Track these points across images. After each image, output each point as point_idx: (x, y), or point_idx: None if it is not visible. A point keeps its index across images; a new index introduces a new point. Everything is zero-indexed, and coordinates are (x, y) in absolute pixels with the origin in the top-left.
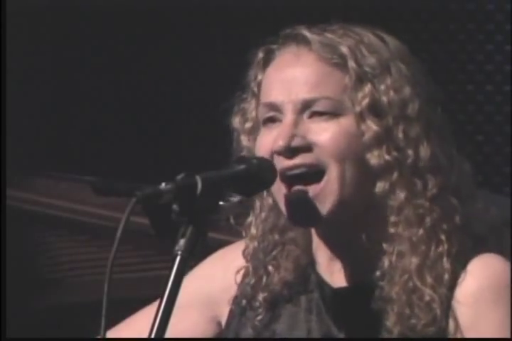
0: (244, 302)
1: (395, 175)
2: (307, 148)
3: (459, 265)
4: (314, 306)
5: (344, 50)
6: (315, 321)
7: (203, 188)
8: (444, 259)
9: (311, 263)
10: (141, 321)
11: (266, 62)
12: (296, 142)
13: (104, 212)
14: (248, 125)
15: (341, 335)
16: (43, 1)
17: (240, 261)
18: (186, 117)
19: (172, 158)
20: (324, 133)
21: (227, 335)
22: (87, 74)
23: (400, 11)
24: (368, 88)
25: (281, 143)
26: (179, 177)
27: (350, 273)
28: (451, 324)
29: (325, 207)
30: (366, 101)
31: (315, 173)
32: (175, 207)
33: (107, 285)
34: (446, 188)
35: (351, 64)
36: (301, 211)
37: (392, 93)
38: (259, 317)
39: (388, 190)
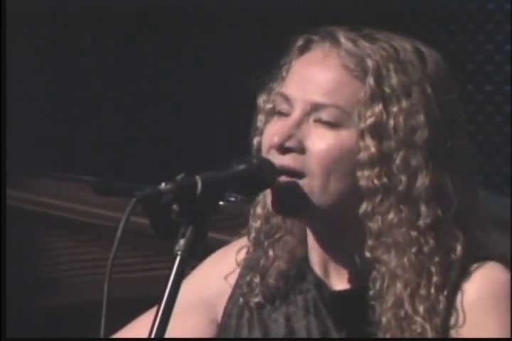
0: (241, 301)
1: (380, 199)
2: (300, 151)
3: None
4: (312, 306)
5: (369, 64)
6: (314, 322)
7: (203, 188)
8: (439, 291)
9: (307, 259)
10: (140, 328)
11: (301, 51)
12: (291, 143)
13: (104, 212)
14: (268, 106)
15: (340, 337)
16: (43, 1)
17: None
18: (186, 117)
19: (172, 158)
20: (320, 142)
21: (224, 336)
22: (87, 74)
23: (400, 11)
24: (378, 108)
25: (276, 140)
26: (179, 177)
27: (346, 276)
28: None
29: (302, 202)
30: (372, 120)
31: (300, 175)
32: (175, 207)
33: (107, 285)
34: (447, 218)
35: (369, 80)
36: (283, 199)
37: (402, 118)
38: (258, 316)
39: (370, 212)
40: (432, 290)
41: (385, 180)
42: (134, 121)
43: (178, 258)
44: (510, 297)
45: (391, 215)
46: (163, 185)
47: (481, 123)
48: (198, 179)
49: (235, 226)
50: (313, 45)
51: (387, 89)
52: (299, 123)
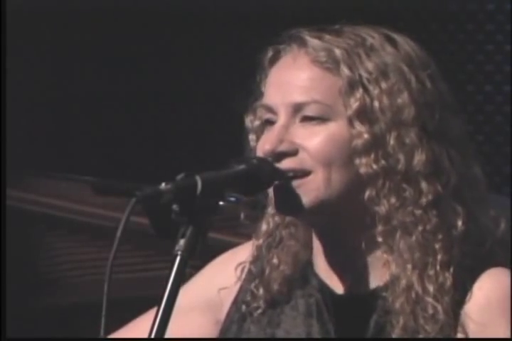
0: (243, 308)
1: (382, 182)
2: (294, 152)
3: (465, 275)
4: (315, 310)
5: (338, 53)
6: (316, 326)
7: (203, 188)
8: (445, 268)
9: (310, 263)
10: (140, 328)
11: (272, 62)
12: (283, 147)
13: (104, 212)
14: (256, 123)
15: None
16: (42, 1)
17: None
18: (186, 117)
19: (172, 158)
20: (313, 138)
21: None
22: (87, 74)
23: (400, 11)
24: (359, 93)
25: (267, 147)
26: (179, 177)
27: (352, 279)
28: (460, 335)
29: (307, 199)
30: (356, 105)
31: (301, 174)
32: (175, 207)
33: (107, 285)
34: (447, 194)
35: (343, 69)
36: (285, 199)
37: (385, 98)
38: (259, 323)
39: (375, 197)
40: (438, 267)
41: (383, 162)
42: (134, 121)
43: (178, 258)
44: None
45: (396, 196)
46: (163, 185)
47: (481, 123)
48: (198, 179)
49: (235, 227)
50: (282, 52)
51: (363, 74)
52: (287, 127)
